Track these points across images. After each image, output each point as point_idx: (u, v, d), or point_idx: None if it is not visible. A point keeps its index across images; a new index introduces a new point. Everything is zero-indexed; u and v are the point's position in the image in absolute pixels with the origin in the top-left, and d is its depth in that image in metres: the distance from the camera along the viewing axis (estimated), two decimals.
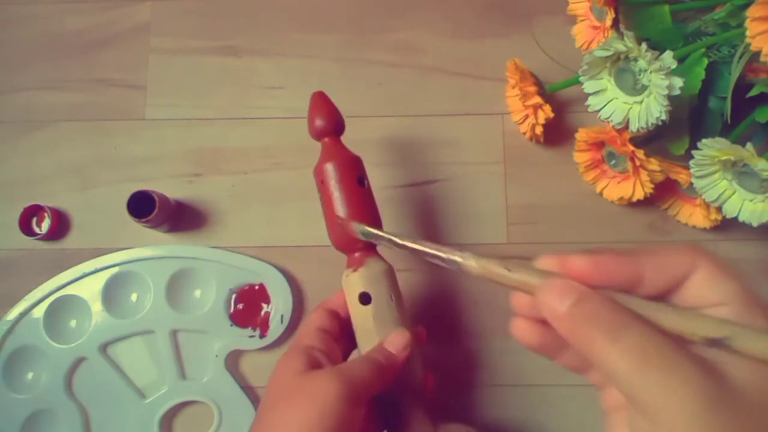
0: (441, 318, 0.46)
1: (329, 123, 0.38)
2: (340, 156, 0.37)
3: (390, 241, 0.30)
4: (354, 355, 0.38)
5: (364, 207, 0.36)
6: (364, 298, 0.35)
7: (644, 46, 0.34)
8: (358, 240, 0.34)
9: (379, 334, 0.34)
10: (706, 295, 0.20)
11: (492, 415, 0.45)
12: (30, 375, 0.46)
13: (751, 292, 0.20)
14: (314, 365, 0.32)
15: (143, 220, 0.44)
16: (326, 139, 0.38)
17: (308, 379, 0.31)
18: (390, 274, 0.36)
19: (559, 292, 0.20)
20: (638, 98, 0.37)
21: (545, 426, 0.45)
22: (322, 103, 0.39)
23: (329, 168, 0.36)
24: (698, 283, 0.20)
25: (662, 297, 0.21)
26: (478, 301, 0.47)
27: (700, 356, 0.19)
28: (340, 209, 0.35)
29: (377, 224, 0.37)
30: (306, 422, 0.28)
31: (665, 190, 0.45)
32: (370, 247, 0.36)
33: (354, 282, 0.35)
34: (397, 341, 0.34)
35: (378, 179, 0.43)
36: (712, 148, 0.35)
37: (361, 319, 0.35)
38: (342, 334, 0.36)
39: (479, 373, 0.46)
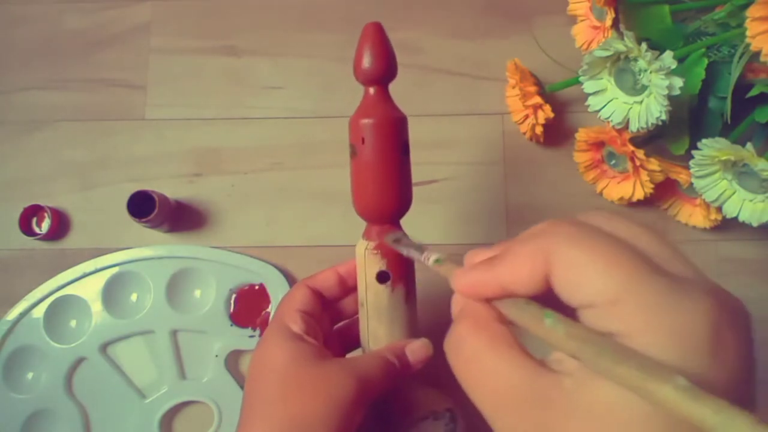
0: (444, 316, 0.46)
1: (380, 67, 0.30)
2: (385, 113, 0.31)
3: (412, 253, 0.29)
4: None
5: (401, 184, 0.31)
6: (382, 277, 0.32)
7: (644, 46, 0.34)
8: (386, 214, 0.31)
9: (390, 317, 0.32)
10: (569, 297, 0.18)
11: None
12: (30, 375, 0.46)
13: (622, 284, 0.17)
14: (317, 353, 0.30)
15: (143, 220, 0.44)
16: (371, 89, 0.31)
17: (322, 372, 0.28)
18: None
19: (453, 301, 0.23)
20: (638, 98, 0.37)
21: None
22: (375, 39, 0.31)
23: (367, 126, 0.30)
24: (558, 287, 0.19)
25: (550, 294, 0.19)
26: None
27: (531, 356, 0.19)
28: (370, 182, 0.31)
29: (399, 200, 0.32)
30: (318, 416, 0.27)
31: (665, 190, 0.45)
32: (395, 221, 0.33)
33: (375, 259, 0.32)
34: (419, 352, 0.31)
35: None
36: (712, 148, 0.35)
37: (374, 296, 0.32)
38: (322, 318, 0.34)
39: None
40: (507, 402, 0.19)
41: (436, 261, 0.26)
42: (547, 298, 0.19)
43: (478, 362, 0.20)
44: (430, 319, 0.47)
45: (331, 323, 0.35)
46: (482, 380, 0.20)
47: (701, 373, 0.16)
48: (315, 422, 0.27)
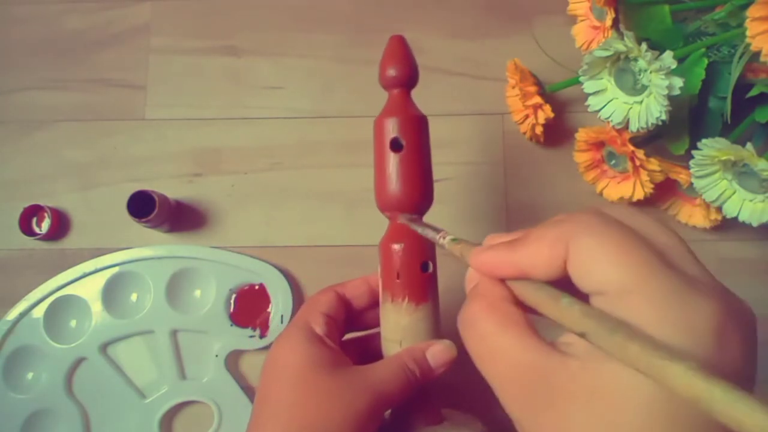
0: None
1: (402, 73, 0.34)
2: (405, 113, 0.33)
3: (427, 234, 0.29)
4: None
5: (400, 175, 0.32)
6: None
7: (644, 46, 0.34)
8: (410, 209, 0.32)
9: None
10: (583, 283, 0.19)
11: (500, 413, 0.45)
12: (30, 375, 0.46)
13: (633, 275, 0.18)
14: (336, 359, 0.29)
15: (143, 220, 0.44)
16: (395, 91, 0.34)
17: (339, 382, 0.28)
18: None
19: (467, 279, 0.24)
20: (638, 98, 0.37)
21: None
22: (398, 49, 0.34)
23: (383, 124, 0.33)
24: (573, 272, 0.19)
25: (564, 281, 0.20)
26: None
27: (541, 338, 0.20)
28: (379, 173, 0.33)
29: (415, 196, 0.33)
30: (332, 426, 0.26)
31: (665, 190, 0.45)
32: (417, 218, 0.33)
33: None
34: (440, 355, 0.30)
35: None
36: (712, 148, 0.35)
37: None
38: (345, 326, 0.33)
39: None
40: (516, 381, 0.19)
41: (453, 240, 0.26)
42: (562, 287, 0.20)
43: (490, 341, 0.20)
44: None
45: (350, 328, 0.35)
46: (493, 359, 0.20)
47: (706, 363, 0.16)
48: (329, 431, 0.26)
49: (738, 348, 0.17)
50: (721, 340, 0.17)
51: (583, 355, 0.18)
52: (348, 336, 0.35)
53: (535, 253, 0.20)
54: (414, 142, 0.33)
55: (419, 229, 0.30)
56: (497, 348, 0.20)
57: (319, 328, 0.31)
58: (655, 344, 0.16)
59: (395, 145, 0.33)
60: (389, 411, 0.32)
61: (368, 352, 0.34)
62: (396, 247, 0.32)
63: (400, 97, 0.34)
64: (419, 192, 0.33)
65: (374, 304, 0.34)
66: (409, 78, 0.34)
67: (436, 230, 0.28)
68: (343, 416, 0.27)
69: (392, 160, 0.33)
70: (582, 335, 0.18)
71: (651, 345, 0.16)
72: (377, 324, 0.34)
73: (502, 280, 0.22)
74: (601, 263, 0.18)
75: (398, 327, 0.32)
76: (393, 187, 0.32)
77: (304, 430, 0.27)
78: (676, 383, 0.15)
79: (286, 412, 0.27)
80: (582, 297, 0.19)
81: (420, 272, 0.32)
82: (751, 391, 0.18)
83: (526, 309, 0.21)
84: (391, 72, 0.33)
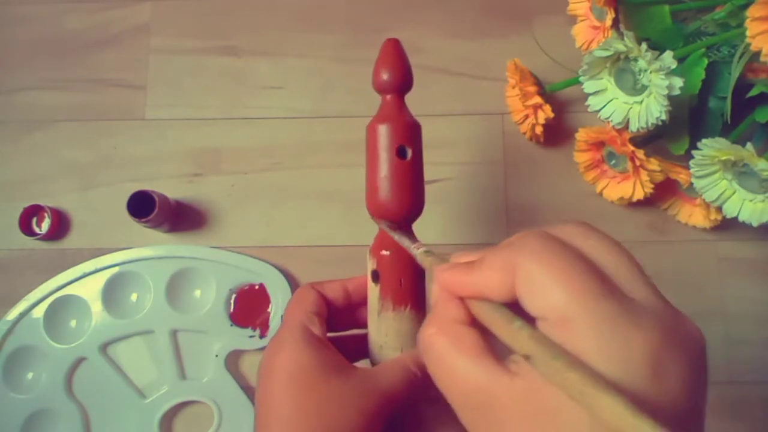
0: None
1: (397, 78, 0.33)
2: (396, 119, 0.33)
3: (404, 244, 0.29)
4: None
5: (401, 183, 0.32)
6: (374, 276, 0.32)
7: (644, 46, 0.34)
8: (399, 216, 0.32)
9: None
10: (527, 308, 0.19)
11: None
12: (30, 375, 0.46)
13: (575, 302, 0.18)
14: (339, 362, 0.29)
15: (143, 220, 0.44)
16: (388, 96, 0.34)
17: (350, 383, 0.27)
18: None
19: (431, 295, 0.24)
20: (638, 98, 0.37)
21: None
22: (393, 54, 0.34)
23: (381, 130, 0.33)
24: (519, 297, 0.19)
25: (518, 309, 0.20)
26: None
27: (491, 358, 0.20)
28: (375, 179, 0.32)
29: (412, 204, 0.33)
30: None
31: (665, 190, 0.45)
32: (407, 225, 0.33)
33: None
34: None
35: None
36: (712, 148, 0.35)
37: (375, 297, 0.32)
38: (328, 325, 0.33)
39: None
40: (468, 400, 0.20)
41: (426, 252, 0.26)
42: (518, 309, 0.20)
43: (445, 362, 0.21)
44: None
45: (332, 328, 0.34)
46: (448, 379, 0.21)
47: (640, 395, 0.17)
48: None
49: (677, 378, 0.17)
50: (656, 370, 0.17)
51: (529, 375, 0.19)
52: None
53: (488, 277, 0.20)
54: (411, 149, 0.32)
55: (395, 236, 0.31)
56: (451, 368, 0.21)
57: (316, 329, 0.30)
58: (594, 375, 0.16)
59: (400, 153, 0.32)
60: None
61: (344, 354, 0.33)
62: (385, 252, 0.32)
63: (394, 103, 0.34)
64: (412, 200, 0.32)
65: (348, 307, 0.34)
66: (403, 83, 0.33)
67: (412, 240, 0.29)
68: (353, 419, 0.27)
69: (386, 167, 0.32)
70: (526, 358, 0.18)
71: (589, 375, 0.16)
72: (348, 327, 0.34)
73: (463, 300, 0.22)
74: (542, 290, 0.19)
75: (399, 334, 0.31)
76: (385, 194, 0.32)
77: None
78: (605, 415, 0.15)
79: (295, 419, 0.27)
80: (532, 321, 0.19)
81: (421, 279, 0.32)
82: (699, 423, 0.18)
83: (483, 328, 0.21)
84: (385, 76, 0.33)
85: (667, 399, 0.17)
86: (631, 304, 0.18)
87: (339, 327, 0.35)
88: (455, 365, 0.20)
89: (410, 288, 0.32)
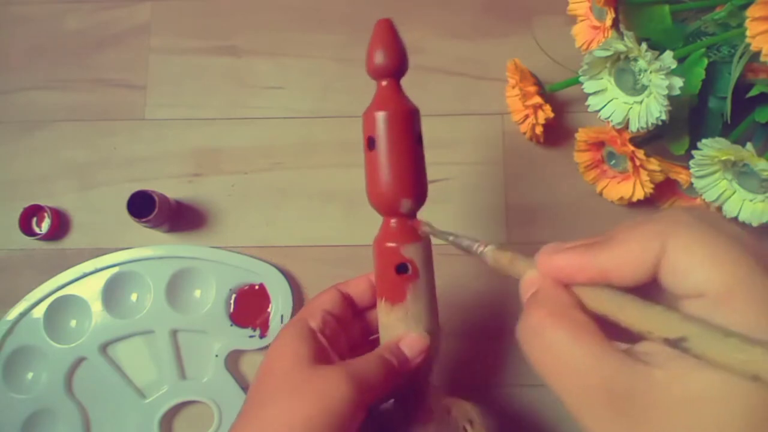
0: (455, 316, 0.46)
1: (392, 61, 0.31)
2: (398, 105, 0.31)
3: (447, 239, 0.28)
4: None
5: (418, 172, 0.31)
6: (402, 268, 0.31)
7: (644, 46, 0.34)
8: (400, 208, 0.31)
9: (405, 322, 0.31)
10: (679, 285, 0.18)
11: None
12: (30, 375, 0.46)
13: (736, 277, 0.17)
14: (321, 354, 0.30)
15: (143, 220, 0.44)
16: (384, 82, 0.32)
17: (317, 375, 0.28)
18: (430, 250, 0.32)
19: (525, 284, 0.22)
20: (638, 98, 0.37)
21: (559, 425, 0.45)
22: (386, 34, 0.31)
23: (381, 118, 0.31)
24: (668, 273, 0.18)
25: (645, 286, 0.19)
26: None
27: (617, 348, 0.19)
28: (385, 173, 0.31)
29: (419, 191, 0.32)
30: (309, 422, 0.27)
31: (665, 190, 0.45)
32: (411, 215, 0.32)
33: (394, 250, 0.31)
34: (413, 344, 0.31)
35: None
36: (712, 148, 0.35)
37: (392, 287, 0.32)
38: (351, 324, 0.34)
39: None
40: (596, 397, 0.18)
41: (495, 249, 0.25)
42: (643, 293, 0.19)
43: (560, 354, 0.19)
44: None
45: (362, 333, 0.35)
46: (565, 372, 0.19)
47: None
48: (307, 426, 0.27)
49: None
50: None
51: (666, 364, 0.18)
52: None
53: (624, 252, 0.19)
54: (402, 137, 0.31)
55: (448, 238, 0.29)
56: (569, 360, 0.19)
57: (314, 323, 0.31)
58: None
59: (369, 144, 0.32)
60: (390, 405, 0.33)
61: None
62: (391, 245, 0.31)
63: (391, 88, 0.32)
64: (413, 186, 0.31)
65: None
66: (399, 65, 0.31)
67: (470, 239, 0.27)
68: (319, 409, 0.27)
69: (387, 155, 0.31)
70: (678, 342, 0.17)
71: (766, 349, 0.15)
72: None
73: (568, 287, 0.20)
74: (702, 263, 0.17)
75: (381, 325, 0.32)
76: (386, 183, 0.31)
77: (282, 426, 0.27)
78: None
79: (264, 409, 0.28)
80: (666, 302, 0.18)
81: (394, 273, 0.31)
82: None
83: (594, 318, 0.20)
84: (380, 59, 0.31)
85: None
86: None
87: (373, 321, 0.35)
88: (575, 356, 0.18)
89: (380, 280, 0.32)
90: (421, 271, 0.31)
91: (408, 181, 0.31)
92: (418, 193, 0.32)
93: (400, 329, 0.31)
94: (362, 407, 0.28)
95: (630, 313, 0.18)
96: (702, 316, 0.17)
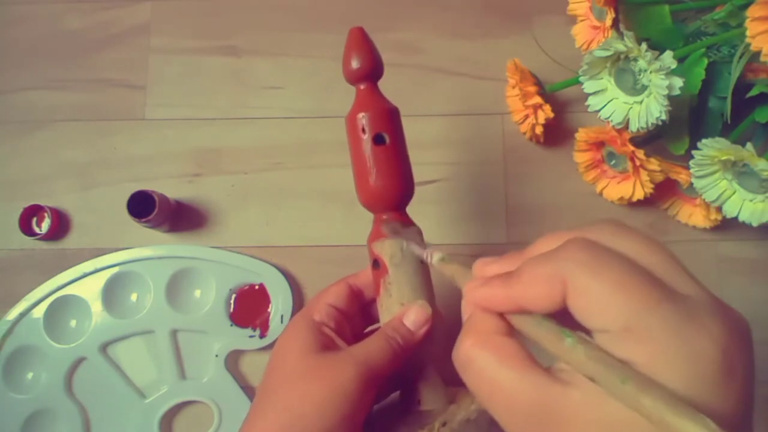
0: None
1: (366, 66, 0.33)
2: (374, 107, 0.33)
3: (402, 246, 0.30)
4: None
5: (386, 169, 0.33)
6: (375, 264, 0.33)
7: (644, 46, 0.34)
8: (389, 203, 0.33)
9: (399, 301, 0.32)
10: (585, 322, 0.19)
11: None
12: (30, 375, 0.46)
13: (633, 313, 0.17)
14: (326, 344, 0.30)
15: (143, 220, 0.44)
16: (361, 85, 0.34)
17: (323, 361, 0.29)
18: (421, 238, 0.33)
19: (463, 307, 0.24)
20: (638, 98, 0.37)
21: None
22: (359, 41, 0.34)
23: (361, 119, 0.33)
24: (574, 311, 0.19)
25: (563, 312, 0.20)
26: None
27: (540, 368, 0.20)
28: (362, 169, 0.33)
29: (402, 188, 0.34)
30: (320, 405, 0.27)
31: (665, 190, 0.45)
32: (401, 209, 0.34)
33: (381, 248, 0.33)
34: (415, 317, 0.31)
35: None
36: (712, 148, 0.35)
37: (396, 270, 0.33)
38: (356, 316, 0.34)
39: None
40: (519, 415, 0.19)
41: (441, 259, 0.26)
42: (562, 316, 0.19)
43: (489, 377, 0.20)
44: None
45: (369, 325, 0.35)
46: (494, 394, 0.20)
47: (710, 402, 0.16)
48: (316, 410, 0.27)
49: (742, 371, 0.17)
50: (726, 367, 0.17)
51: (583, 385, 0.18)
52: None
53: (532, 290, 0.20)
54: (391, 135, 0.33)
55: (403, 243, 0.31)
56: (496, 382, 0.20)
57: (318, 316, 0.32)
58: (668, 397, 0.16)
59: (377, 140, 0.33)
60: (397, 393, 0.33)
61: None
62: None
63: (369, 91, 0.34)
64: (401, 185, 0.33)
65: None
66: (374, 69, 0.34)
67: (420, 244, 0.29)
68: (328, 392, 0.28)
69: (371, 155, 0.33)
70: (591, 379, 0.18)
71: (664, 398, 0.16)
72: None
73: (500, 313, 0.22)
74: (600, 303, 0.18)
75: (383, 310, 0.33)
76: (373, 182, 0.33)
77: (292, 411, 0.28)
78: None
79: (275, 396, 0.29)
80: (584, 330, 0.19)
81: (372, 269, 0.33)
82: (751, 418, 0.18)
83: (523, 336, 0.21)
84: (355, 65, 0.33)
85: (733, 400, 0.17)
86: (688, 304, 0.18)
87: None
88: (500, 379, 0.20)
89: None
90: (390, 267, 0.32)
91: (393, 179, 0.33)
92: (410, 188, 0.34)
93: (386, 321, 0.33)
94: (371, 387, 0.29)
95: (548, 344, 0.19)
96: (609, 348, 0.18)
